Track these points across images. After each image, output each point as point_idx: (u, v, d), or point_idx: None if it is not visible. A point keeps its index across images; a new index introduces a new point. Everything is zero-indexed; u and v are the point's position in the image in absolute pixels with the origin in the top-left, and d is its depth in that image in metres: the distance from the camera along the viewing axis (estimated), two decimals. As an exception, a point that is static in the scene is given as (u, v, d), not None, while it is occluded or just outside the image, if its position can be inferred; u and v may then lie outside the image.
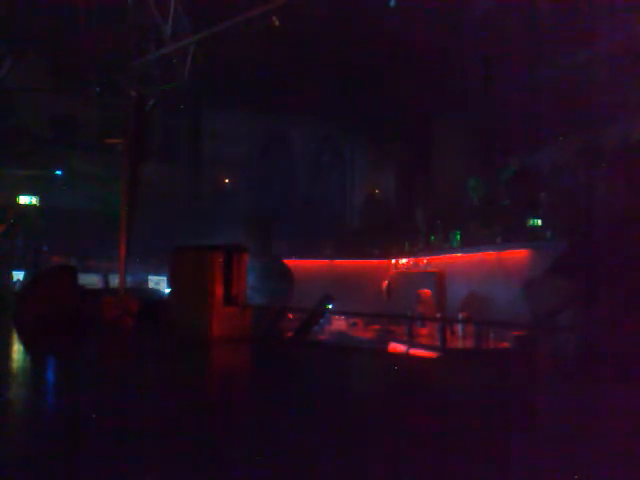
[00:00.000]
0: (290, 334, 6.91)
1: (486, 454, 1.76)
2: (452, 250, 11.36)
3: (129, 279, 8.61)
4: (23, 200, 14.16)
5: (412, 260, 13.03)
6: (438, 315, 11.43)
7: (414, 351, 9.59)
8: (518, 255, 9.39)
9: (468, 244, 10.90)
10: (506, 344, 8.62)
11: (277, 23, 8.53)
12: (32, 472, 1.63)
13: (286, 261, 9.01)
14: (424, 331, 10.74)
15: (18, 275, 11.92)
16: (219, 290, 5.71)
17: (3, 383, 2.91)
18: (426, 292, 11.48)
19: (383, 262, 13.91)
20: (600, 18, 7.58)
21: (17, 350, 4.64)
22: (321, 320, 10.01)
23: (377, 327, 11.64)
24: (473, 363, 4.62)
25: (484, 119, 11.82)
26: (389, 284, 13.60)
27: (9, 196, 13.91)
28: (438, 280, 11.71)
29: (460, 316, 10.19)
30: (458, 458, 1.74)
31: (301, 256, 12.79)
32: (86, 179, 13.87)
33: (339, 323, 11.98)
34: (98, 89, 11.72)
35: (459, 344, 9.73)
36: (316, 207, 15.68)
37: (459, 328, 9.94)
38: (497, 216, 10.06)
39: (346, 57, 11.24)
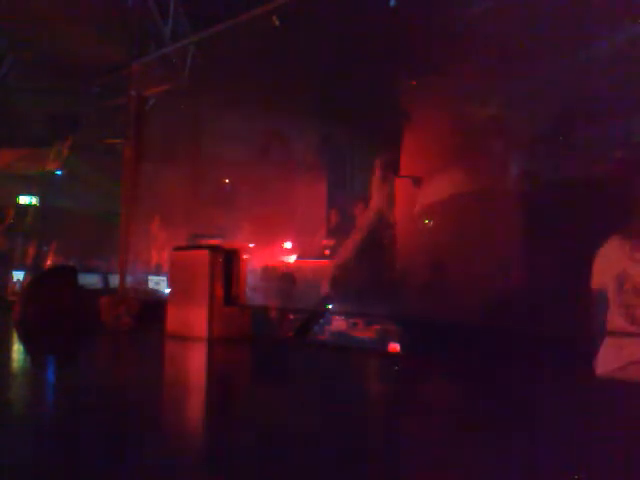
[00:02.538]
0: (290, 334, 6.91)
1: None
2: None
3: (129, 279, 8.62)
4: (23, 200, 14.14)
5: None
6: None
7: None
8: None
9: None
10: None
11: (277, 23, 8.53)
12: (32, 469, 1.63)
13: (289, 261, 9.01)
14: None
15: (18, 275, 11.90)
16: (219, 290, 5.72)
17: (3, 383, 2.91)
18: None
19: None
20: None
21: (17, 350, 4.64)
22: (321, 320, 10.01)
23: (377, 327, 11.62)
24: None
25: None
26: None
27: (9, 196, 13.89)
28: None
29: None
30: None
31: (302, 256, 12.77)
32: (86, 179, 13.85)
33: (339, 323, 11.95)
34: (98, 89, 11.71)
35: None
36: (316, 207, 15.63)
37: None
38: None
39: (346, 57, 11.22)
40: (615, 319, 3.57)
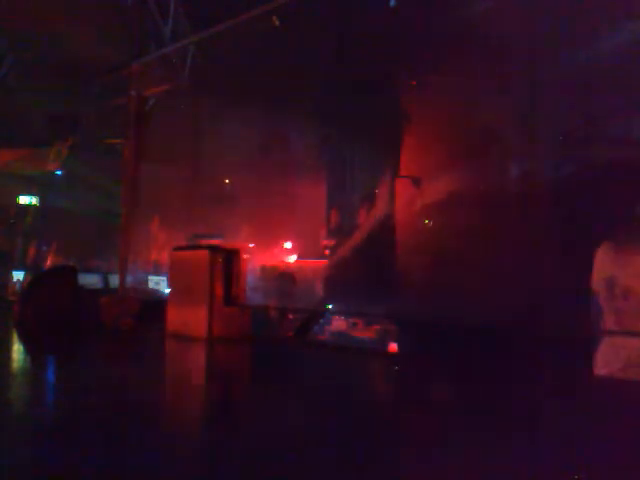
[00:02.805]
0: (290, 334, 6.91)
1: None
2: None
3: (129, 279, 8.62)
4: (23, 200, 14.14)
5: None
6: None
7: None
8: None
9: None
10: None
11: (277, 23, 8.52)
12: (35, 467, 1.63)
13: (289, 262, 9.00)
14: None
15: (18, 275, 11.90)
16: (219, 290, 5.72)
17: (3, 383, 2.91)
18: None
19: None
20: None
21: (17, 350, 4.63)
22: (321, 320, 10.01)
23: (377, 327, 11.60)
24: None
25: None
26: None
27: (9, 196, 13.88)
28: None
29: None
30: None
31: (302, 256, 12.77)
32: (86, 179, 13.85)
33: (339, 323, 11.94)
34: (98, 89, 11.71)
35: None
36: (317, 207, 15.63)
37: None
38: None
39: (345, 58, 11.21)
40: (611, 320, 3.58)
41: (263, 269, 8.72)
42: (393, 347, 10.35)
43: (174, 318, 5.65)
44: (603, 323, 3.61)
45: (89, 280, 10.91)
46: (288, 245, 12.73)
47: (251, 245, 12.18)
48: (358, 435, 2.01)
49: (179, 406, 2.48)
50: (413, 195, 10.92)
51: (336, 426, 2.14)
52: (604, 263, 3.77)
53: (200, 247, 5.72)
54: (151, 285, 12.53)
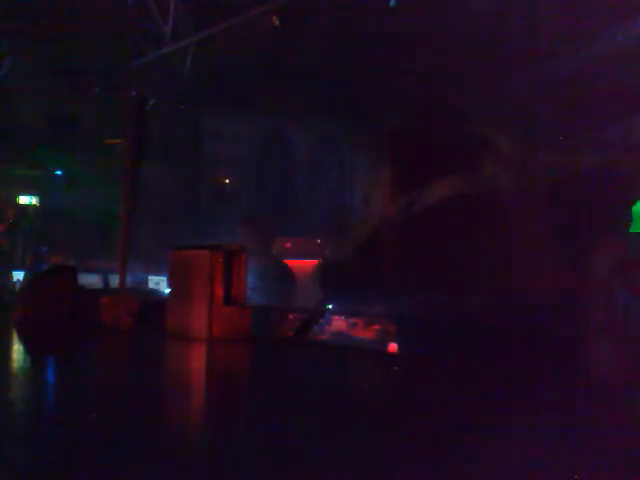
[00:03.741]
0: (290, 334, 6.92)
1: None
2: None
3: (129, 279, 8.62)
4: (23, 200, 14.14)
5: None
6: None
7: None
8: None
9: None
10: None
11: (277, 23, 8.53)
12: (35, 468, 1.64)
13: (287, 261, 9.01)
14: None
15: (18, 275, 11.90)
16: (219, 290, 5.73)
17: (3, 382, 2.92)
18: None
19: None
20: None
21: (17, 350, 4.64)
22: (321, 320, 10.02)
23: (377, 327, 11.60)
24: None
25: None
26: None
27: (9, 196, 13.88)
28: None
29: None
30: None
31: (301, 256, 12.76)
32: (86, 179, 13.85)
33: (339, 323, 11.93)
34: (98, 89, 11.72)
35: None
36: (316, 207, 15.63)
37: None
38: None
39: (346, 57, 11.22)
40: (611, 318, 3.60)
41: (262, 269, 8.70)
42: (393, 347, 10.34)
43: (174, 318, 5.65)
44: (600, 322, 3.62)
45: (89, 280, 10.90)
46: (288, 245, 12.73)
47: (251, 245, 12.17)
48: (357, 435, 2.02)
49: (179, 406, 2.49)
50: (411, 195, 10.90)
51: (335, 425, 2.14)
52: (604, 262, 3.78)
53: (200, 247, 5.73)
54: (151, 285, 12.53)
